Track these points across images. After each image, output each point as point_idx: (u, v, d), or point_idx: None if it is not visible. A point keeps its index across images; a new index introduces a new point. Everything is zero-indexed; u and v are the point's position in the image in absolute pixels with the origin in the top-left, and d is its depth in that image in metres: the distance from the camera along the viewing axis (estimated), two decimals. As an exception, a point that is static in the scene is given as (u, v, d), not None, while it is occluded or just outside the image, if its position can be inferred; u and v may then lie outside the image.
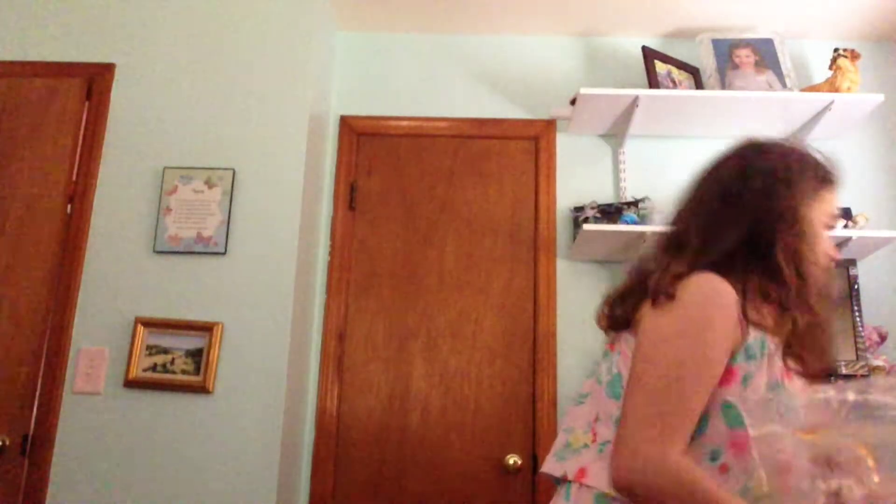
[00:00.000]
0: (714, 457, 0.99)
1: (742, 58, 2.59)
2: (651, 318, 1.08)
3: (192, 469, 2.08)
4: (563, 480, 1.13)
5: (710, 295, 1.05)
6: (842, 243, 2.34)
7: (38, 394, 2.14)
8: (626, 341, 1.14)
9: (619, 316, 1.16)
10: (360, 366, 2.51)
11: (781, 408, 0.93)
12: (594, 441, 1.12)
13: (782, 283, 1.09)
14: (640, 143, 2.67)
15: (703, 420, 1.02)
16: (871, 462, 0.85)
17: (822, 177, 1.17)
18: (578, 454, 1.12)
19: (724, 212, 1.14)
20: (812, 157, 1.19)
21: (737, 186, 1.15)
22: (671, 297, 1.06)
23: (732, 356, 1.04)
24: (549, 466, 1.16)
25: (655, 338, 1.06)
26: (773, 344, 1.06)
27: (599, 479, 1.06)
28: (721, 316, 1.04)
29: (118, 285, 2.23)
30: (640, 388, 1.04)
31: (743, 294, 1.07)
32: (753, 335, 1.06)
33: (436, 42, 2.84)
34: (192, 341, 2.17)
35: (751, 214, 1.12)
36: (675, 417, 1.00)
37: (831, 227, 1.17)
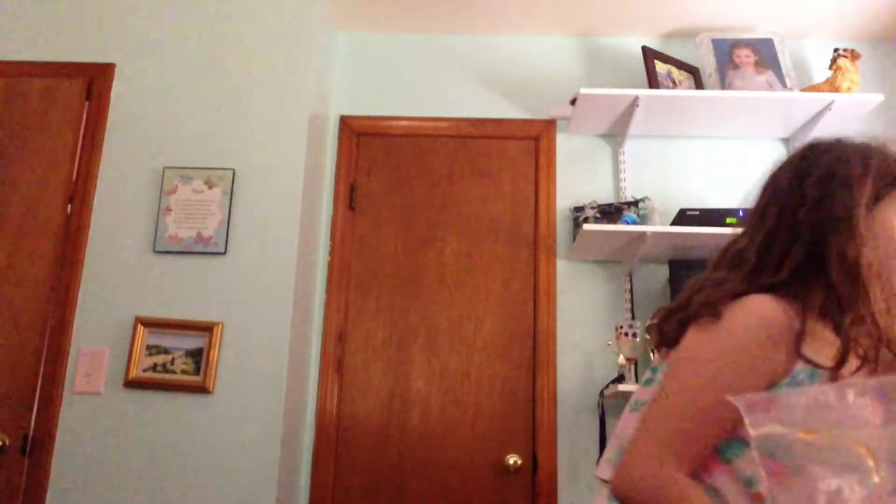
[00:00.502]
0: (749, 483, 0.98)
1: (742, 58, 2.60)
2: (691, 335, 1.03)
3: (192, 469, 2.09)
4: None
5: (758, 322, 0.97)
6: None
7: (38, 394, 2.14)
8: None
9: (667, 332, 1.09)
10: (360, 366, 2.51)
11: (781, 407, 0.93)
12: None
13: (839, 302, 0.98)
14: (640, 143, 2.67)
15: (739, 446, 0.98)
16: (871, 462, 0.85)
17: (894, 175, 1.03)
18: None
19: (781, 224, 1.04)
20: (880, 152, 1.05)
21: (792, 194, 1.05)
22: (717, 316, 0.99)
23: (776, 384, 0.97)
24: (602, 471, 1.13)
25: (688, 356, 1.02)
26: (826, 376, 0.97)
27: None
28: (765, 346, 0.96)
29: (118, 285, 2.23)
30: (659, 402, 1.01)
31: (802, 320, 0.98)
32: (802, 366, 0.97)
33: (436, 42, 2.84)
34: (192, 341, 2.17)
35: (807, 225, 1.01)
36: (683, 439, 0.97)
37: None
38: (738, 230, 1.14)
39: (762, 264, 1.03)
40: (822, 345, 0.99)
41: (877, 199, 1.02)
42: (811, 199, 1.02)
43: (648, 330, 1.22)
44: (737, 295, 1.00)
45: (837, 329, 0.98)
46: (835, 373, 0.97)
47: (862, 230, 0.98)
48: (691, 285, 1.10)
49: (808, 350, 0.97)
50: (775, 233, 1.04)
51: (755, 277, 1.03)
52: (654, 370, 1.15)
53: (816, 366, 0.97)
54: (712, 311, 1.00)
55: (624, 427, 1.14)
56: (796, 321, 0.97)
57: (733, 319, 0.98)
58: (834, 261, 0.99)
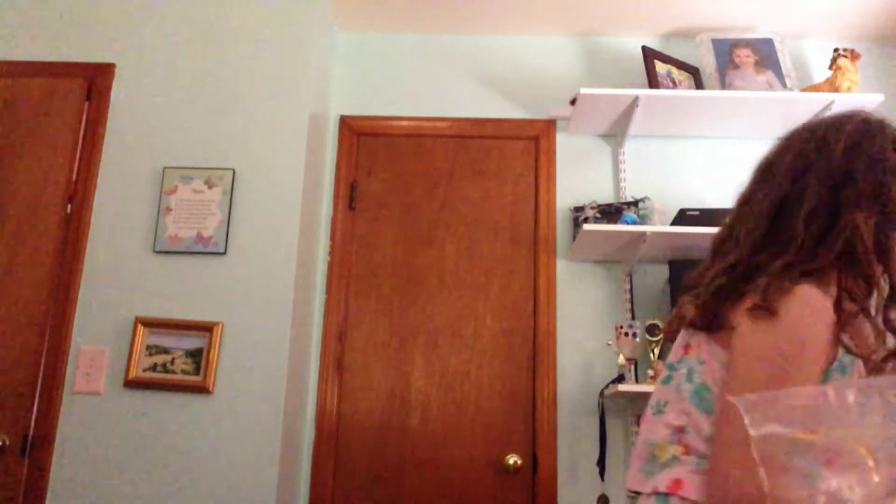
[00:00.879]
0: None
1: (742, 58, 2.60)
2: (749, 334, 0.99)
3: (192, 469, 2.09)
4: (650, 495, 1.05)
5: (814, 316, 0.96)
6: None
7: (38, 394, 2.14)
8: (711, 350, 1.05)
9: (711, 319, 1.05)
10: (360, 366, 2.51)
11: (781, 407, 0.93)
12: (686, 453, 1.03)
13: (871, 284, 1.00)
14: (640, 143, 2.67)
15: None
16: (871, 462, 0.85)
17: None
18: (669, 467, 1.04)
19: (835, 206, 1.01)
20: None
21: (838, 173, 1.03)
22: (774, 313, 0.96)
23: (827, 373, 0.98)
24: (637, 483, 1.07)
25: (753, 356, 0.98)
26: (860, 362, 1.00)
27: (701, 492, 0.99)
28: (823, 339, 0.96)
29: (118, 285, 2.23)
30: (726, 410, 0.96)
31: (838, 308, 0.98)
32: (843, 352, 1.00)
33: (436, 42, 2.84)
34: (192, 341, 2.17)
35: (848, 206, 1.01)
36: None
37: None
38: (757, 202, 1.09)
39: (816, 249, 1.01)
40: (854, 331, 1.00)
41: None
42: (862, 181, 1.01)
43: (668, 320, 1.14)
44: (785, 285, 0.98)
45: (866, 314, 0.99)
46: (868, 359, 0.99)
47: None
48: (727, 269, 1.06)
49: (845, 337, 0.99)
50: (816, 213, 1.02)
51: (804, 263, 1.00)
52: (672, 367, 1.11)
53: (853, 353, 0.99)
54: (772, 306, 0.97)
55: (649, 432, 1.09)
56: (834, 307, 0.98)
57: (792, 314, 0.96)
58: (868, 244, 0.99)
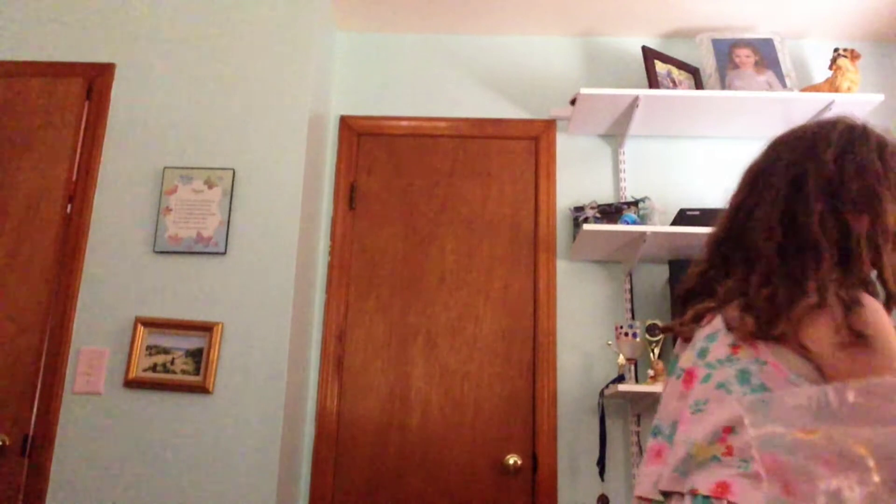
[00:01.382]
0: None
1: (742, 58, 2.60)
2: (846, 362, 0.98)
3: (192, 469, 2.08)
4: (686, 495, 1.01)
5: (886, 320, 1.00)
6: None
7: (38, 394, 2.14)
8: (777, 353, 1.02)
9: (765, 328, 1.04)
10: (360, 366, 2.51)
11: (781, 407, 0.93)
12: (729, 454, 1.00)
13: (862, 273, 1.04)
14: (640, 143, 2.67)
15: None
16: (871, 462, 0.85)
17: None
18: (707, 468, 1.00)
19: (837, 213, 1.06)
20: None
21: (847, 182, 1.07)
22: (862, 336, 0.98)
23: None
24: (670, 483, 1.03)
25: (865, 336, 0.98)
26: None
27: (749, 498, 0.95)
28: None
29: (118, 285, 2.23)
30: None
31: None
32: None
33: (436, 42, 2.84)
34: (192, 341, 2.17)
35: (851, 211, 1.06)
36: None
37: None
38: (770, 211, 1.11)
39: (830, 256, 1.04)
40: None
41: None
42: (854, 188, 1.06)
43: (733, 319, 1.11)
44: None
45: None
46: None
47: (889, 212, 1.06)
48: (762, 279, 1.07)
49: None
50: (825, 220, 1.06)
51: (846, 272, 1.03)
52: (711, 366, 1.07)
53: None
54: (860, 332, 0.98)
55: (687, 431, 1.05)
56: None
57: (877, 329, 0.99)
58: (865, 250, 1.04)
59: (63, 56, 2.44)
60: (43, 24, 2.48)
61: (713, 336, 1.11)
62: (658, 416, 1.16)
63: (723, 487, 0.98)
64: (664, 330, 1.34)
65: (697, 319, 1.17)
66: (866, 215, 1.06)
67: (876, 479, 0.84)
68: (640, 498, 1.08)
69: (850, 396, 0.88)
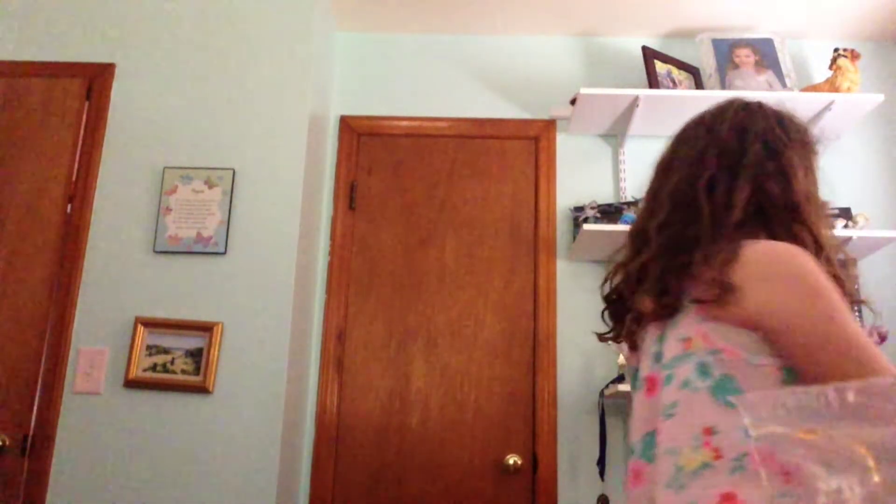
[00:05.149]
0: None
1: (742, 58, 2.60)
2: (720, 312, 0.98)
3: (192, 469, 2.08)
4: None
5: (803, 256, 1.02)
6: (842, 243, 2.34)
7: (38, 394, 2.14)
8: (725, 334, 0.98)
9: (669, 301, 1.03)
10: (360, 366, 2.51)
11: (781, 407, 0.92)
12: (719, 457, 0.94)
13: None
14: (640, 143, 2.67)
15: None
16: (871, 462, 0.85)
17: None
18: (701, 476, 0.94)
19: (734, 177, 1.12)
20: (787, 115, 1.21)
21: (736, 146, 1.14)
22: (731, 287, 0.98)
23: None
24: (668, 501, 0.97)
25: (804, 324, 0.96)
26: None
27: (758, 501, 0.90)
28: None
29: (118, 285, 2.23)
30: (839, 362, 0.93)
31: None
32: None
33: (436, 42, 2.84)
34: (192, 341, 2.17)
35: (751, 172, 1.11)
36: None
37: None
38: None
39: (716, 215, 1.06)
40: None
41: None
42: (753, 154, 1.11)
43: (636, 316, 1.11)
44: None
45: None
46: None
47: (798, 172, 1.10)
48: (658, 252, 1.08)
49: None
50: (714, 184, 1.09)
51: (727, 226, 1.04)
52: (668, 366, 1.03)
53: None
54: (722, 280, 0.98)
55: (668, 441, 1.00)
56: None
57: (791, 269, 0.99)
58: (780, 203, 1.07)
59: (63, 56, 2.44)
60: (43, 24, 2.48)
61: (662, 337, 1.08)
62: (630, 435, 1.12)
63: (728, 497, 0.92)
64: (602, 338, 1.25)
65: (638, 323, 1.14)
66: (776, 177, 1.08)
67: (876, 479, 0.84)
68: None
69: (850, 396, 0.88)
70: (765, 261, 0.98)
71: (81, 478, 2.09)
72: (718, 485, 0.93)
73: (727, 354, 0.98)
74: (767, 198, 1.07)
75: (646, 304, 1.06)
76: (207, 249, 2.24)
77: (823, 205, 1.12)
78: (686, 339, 1.02)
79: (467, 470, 2.40)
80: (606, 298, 1.24)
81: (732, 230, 1.03)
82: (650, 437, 1.05)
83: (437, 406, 2.46)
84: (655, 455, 1.02)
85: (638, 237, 1.17)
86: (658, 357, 1.08)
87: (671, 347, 1.05)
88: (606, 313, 1.24)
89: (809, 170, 1.13)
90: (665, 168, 1.23)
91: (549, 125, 2.71)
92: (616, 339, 1.23)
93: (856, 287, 2.18)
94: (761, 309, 0.96)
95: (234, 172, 2.31)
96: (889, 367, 0.93)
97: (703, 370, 0.99)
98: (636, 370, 1.18)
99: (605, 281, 1.25)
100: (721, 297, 0.97)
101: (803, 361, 0.95)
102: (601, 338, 1.25)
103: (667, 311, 1.05)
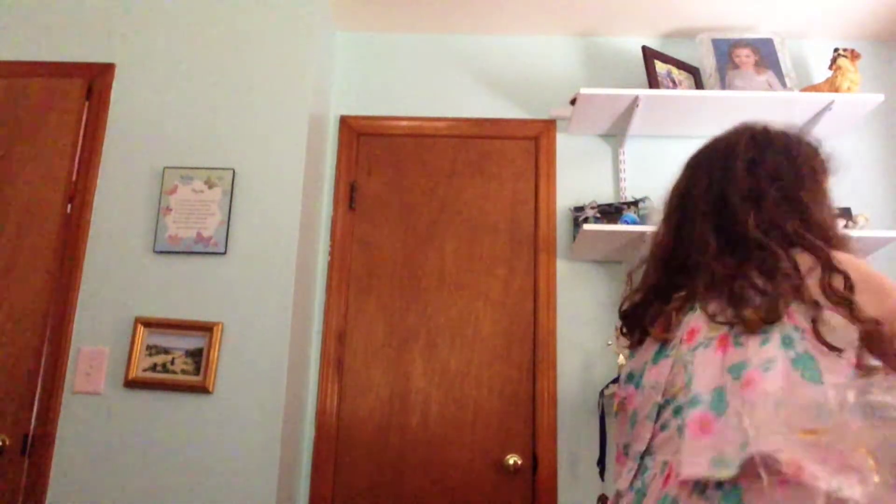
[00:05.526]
0: None
1: (742, 58, 2.59)
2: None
3: (192, 469, 2.08)
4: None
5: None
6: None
7: (38, 394, 2.14)
8: (802, 313, 1.07)
9: (770, 315, 1.08)
10: (360, 366, 2.51)
11: (782, 407, 0.92)
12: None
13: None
14: (640, 143, 2.67)
15: None
16: (871, 462, 0.85)
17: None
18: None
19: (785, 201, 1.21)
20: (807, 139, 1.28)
21: (786, 176, 1.22)
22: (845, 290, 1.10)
23: None
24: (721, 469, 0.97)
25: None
26: None
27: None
28: None
29: (118, 285, 2.23)
30: None
31: None
32: None
33: (436, 42, 2.84)
34: (192, 341, 2.17)
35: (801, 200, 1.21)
36: None
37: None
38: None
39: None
40: None
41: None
42: (768, 195, 1.19)
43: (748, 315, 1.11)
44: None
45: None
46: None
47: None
48: (729, 272, 1.15)
49: None
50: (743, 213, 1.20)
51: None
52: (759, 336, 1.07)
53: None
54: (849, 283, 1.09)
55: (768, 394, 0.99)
56: None
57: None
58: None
59: (63, 56, 2.44)
60: (43, 24, 2.48)
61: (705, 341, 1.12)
62: (692, 387, 1.08)
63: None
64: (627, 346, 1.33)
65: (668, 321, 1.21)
66: (793, 216, 1.16)
67: (876, 479, 0.84)
68: (686, 482, 1.00)
69: (851, 396, 0.88)
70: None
71: (81, 478, 2.09)
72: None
73: (808, 334, 1.05)
74: (789, 234, 1.15)
75: (748, 315, 1.09)
76: (207, 249, 2.24)
77: (836, 222, 1.22)
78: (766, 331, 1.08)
79: (467, 470, 2.40)
80: (623, 314, 1.31)
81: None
82: (720, 392, 1.04)
83: (437, 406, 2.46)
84: (753, 403, 0.99)
85: (668, 252, 1.29)
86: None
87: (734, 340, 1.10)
88: (623, 327, 1.32)
89: (821, 194, 1.23)
90: (683, 201, 1.33)
91: (549, 125, 2.71)
92: (632, 347, 1.30)
93: None
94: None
95: (234, 172, 2.31)
96: None
97: (787, 342, 1.04)
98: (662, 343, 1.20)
99: (624, 302, 1.32)
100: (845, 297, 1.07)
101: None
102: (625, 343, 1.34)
103: (769, 322, 1.08)
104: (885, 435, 0.86)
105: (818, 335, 1.03)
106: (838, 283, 1.07)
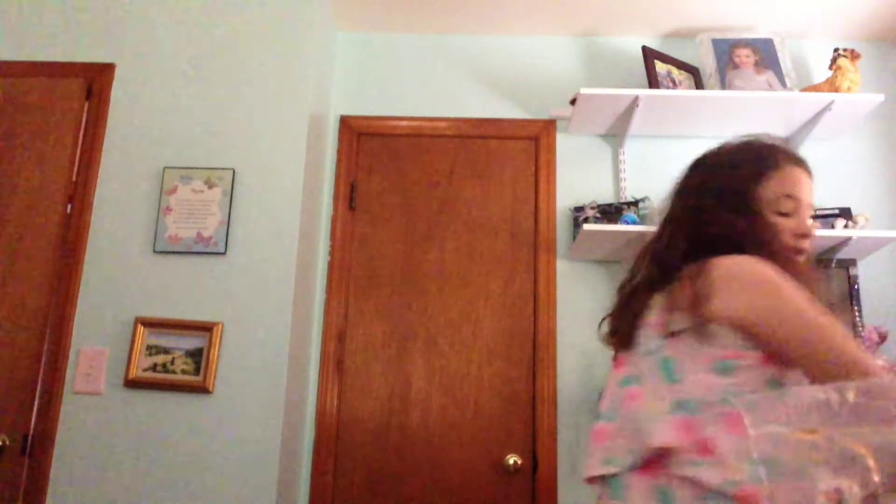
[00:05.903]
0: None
1: (742, 58, 2.59)
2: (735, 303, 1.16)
3: (192, 469, 2.09)
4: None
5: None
6: (842, 243, 2.35)
7: (38, 394, 2.14)
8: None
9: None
10: (360, 366, 2.51)
11: (782, 407, 0.93)
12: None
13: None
14: (640, 143, 2.67)
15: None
16: (871, 462, 0.85)
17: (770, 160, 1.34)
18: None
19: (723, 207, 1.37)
20: (758, 144, 1.38)
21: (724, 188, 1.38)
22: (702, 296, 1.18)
23: None
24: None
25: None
26: None
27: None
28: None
29: (118, 285, 2.23)
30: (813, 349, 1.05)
31: None
32: None
33: (436, 42, 2.84)
34: (192, 341, 2.17)
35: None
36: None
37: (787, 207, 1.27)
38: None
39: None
40: None
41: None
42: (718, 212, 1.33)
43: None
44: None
45: None
46: None
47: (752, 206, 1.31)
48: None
49: None
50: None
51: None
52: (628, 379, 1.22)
53: None
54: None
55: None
56: None
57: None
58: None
59: (63, 56, 2.44)
60: (43, 25, 2.48)
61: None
62: (603, 402, 1.28)
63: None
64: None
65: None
66: (739, 220, 1.26)
67: (876, 479, 0.84)
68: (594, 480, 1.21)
69: (851, 396, 0.88)
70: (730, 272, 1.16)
71: (81, 478, 2.09)
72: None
73: (669, 339, 1.18)
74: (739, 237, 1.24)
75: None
76: (207, 249, 2.24)
77: (760, 226, 1.27)
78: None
79: (467, 470, 2.40)
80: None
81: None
82: (614, 404, 1.24)
83: (436, 406, 2.46)
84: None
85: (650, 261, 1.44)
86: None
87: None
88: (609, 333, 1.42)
89: (766, 192, 1.30)
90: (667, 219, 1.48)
91: (549, 125, 2.71)
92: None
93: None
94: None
95: (234, 172, 2.31)
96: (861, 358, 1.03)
97: (650, 352, 1.20)
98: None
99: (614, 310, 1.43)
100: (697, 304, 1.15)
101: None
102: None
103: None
104: (885, 435, 0.86)
105: (665, 328, 1.17)
106: (699, 285, 1.14)
